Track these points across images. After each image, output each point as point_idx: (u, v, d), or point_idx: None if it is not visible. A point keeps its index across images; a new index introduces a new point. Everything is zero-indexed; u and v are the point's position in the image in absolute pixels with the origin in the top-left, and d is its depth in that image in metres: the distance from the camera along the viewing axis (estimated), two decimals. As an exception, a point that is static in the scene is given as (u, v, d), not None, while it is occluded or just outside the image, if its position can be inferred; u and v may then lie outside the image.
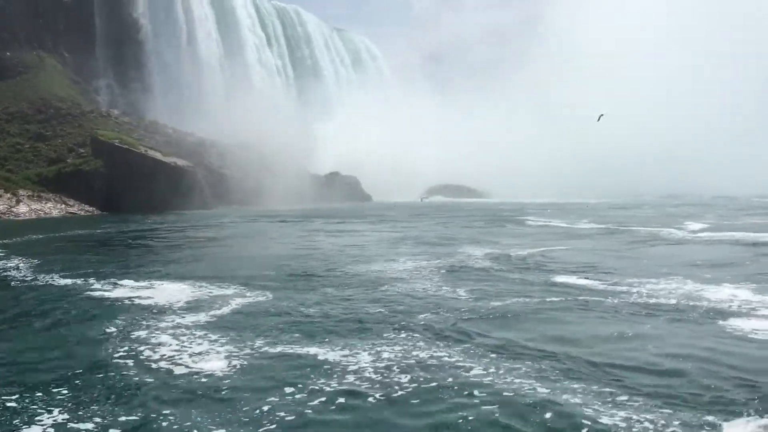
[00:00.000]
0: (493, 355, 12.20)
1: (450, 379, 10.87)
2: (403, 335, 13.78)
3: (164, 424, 9.44)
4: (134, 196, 77.02)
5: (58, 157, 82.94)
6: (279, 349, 12.90)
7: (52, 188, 76.55)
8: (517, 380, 10.76)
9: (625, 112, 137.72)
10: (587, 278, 20.77)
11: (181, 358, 12.30)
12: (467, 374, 11.12)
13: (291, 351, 12.73)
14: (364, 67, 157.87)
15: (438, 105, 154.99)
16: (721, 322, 14.60)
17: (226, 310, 16.75)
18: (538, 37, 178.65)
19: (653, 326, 14.32)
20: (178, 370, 11.61)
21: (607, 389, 10.34)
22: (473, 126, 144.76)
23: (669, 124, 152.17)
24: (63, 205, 75.24)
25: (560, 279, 20.72)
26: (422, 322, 14.92)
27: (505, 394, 10.13)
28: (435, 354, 12.31)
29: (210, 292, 19.21)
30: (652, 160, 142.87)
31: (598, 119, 48.83)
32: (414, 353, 12.39)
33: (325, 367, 11.69)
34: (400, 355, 12.30)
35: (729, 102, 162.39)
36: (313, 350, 12.73)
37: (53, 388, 10.91)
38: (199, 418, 9.57)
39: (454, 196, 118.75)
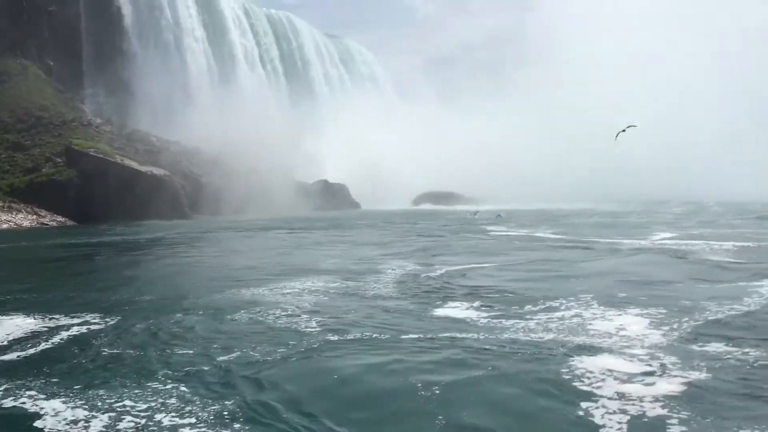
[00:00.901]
0: None
1: None
2: (152, 389, 11.68)
3: None
4: (109, 206, 75.68)
5: (35, 167, 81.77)
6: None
7: (24, 199, 75.34)
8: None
9: (632, 114, 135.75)
10: (479, 307, 18.57)
11: None
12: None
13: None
14: (359, 73, 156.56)
15: (437, 109, 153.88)
16: (574, 364, 12.50)
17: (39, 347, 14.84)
18: (539, 40, 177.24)
19: (490, 373, 12.24)
20: None
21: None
22: (471, 130, 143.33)
23: (680, 125, 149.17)
24: (34, 216, 73.98)
25: (445, 310, 18.45)
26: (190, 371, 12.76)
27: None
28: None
29: (50, 324, 17.30)
30: (660, 164, 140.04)
31: (618, 135, 45.12)
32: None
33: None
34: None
35: (746, 102, 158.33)
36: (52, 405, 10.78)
37: None
38: None
39: (442, 203, 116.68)
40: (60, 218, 75.16)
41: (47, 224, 73.42)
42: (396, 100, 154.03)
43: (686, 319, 16.32)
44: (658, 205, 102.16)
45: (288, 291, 21.85)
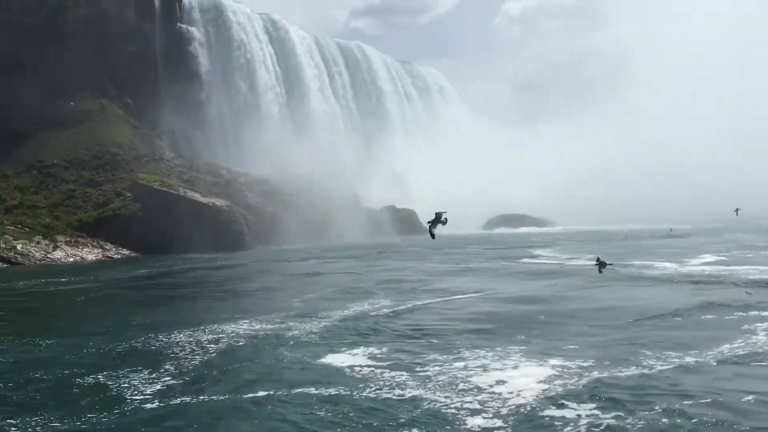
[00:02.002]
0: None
1: None
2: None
3: None
4: (172, 238, 77.21)
5: (105, 202, 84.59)
6: None
7: (91, 233, 77.93)
8: None
9: (723, 135, 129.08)
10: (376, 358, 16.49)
11: None
12: None
13: None
14: (431, 98, 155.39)
15: (515, 131, 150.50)
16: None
17: None
18: (626, 61, 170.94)
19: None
20: None
21: None
22: (548, 151, 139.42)
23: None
24: (99, 250, 76.34)
25: (331, 357, 16.52)
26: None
27: None
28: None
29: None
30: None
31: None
32: None
33: None
34: None
35: None
36: None
37: None
38: None
39: (514, 225, 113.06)
40: (124, 251, 77.26)
41: (112, 257, 75.52)
42: (471, 123, 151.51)
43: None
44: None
45: (225, 332, 20.49)
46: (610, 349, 16.23)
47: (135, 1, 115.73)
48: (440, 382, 13.74)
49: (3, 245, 70.00)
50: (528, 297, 25.80)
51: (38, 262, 69.89)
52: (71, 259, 72.39)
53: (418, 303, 25.36)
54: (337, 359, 16.12)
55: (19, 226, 74.70)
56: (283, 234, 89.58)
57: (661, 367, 14.43)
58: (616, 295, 25.85)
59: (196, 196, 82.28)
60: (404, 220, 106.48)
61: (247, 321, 22.30)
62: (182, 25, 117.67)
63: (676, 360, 14.82)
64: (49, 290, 40.23)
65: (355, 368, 15.15)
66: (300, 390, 13.43)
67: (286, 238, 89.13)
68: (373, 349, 17.09)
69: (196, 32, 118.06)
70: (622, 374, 14.21)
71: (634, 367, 14.37)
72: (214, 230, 79.76)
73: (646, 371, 14.26)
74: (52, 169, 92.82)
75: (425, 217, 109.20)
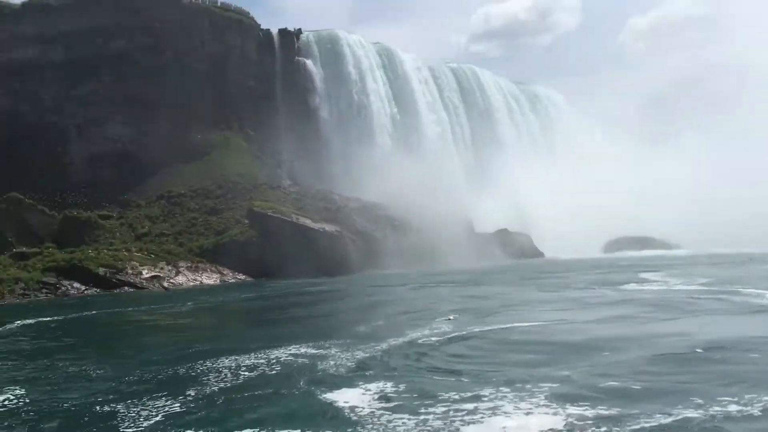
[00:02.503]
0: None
1: None
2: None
3: None
4: (283, 263, 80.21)
5: (225, 228, 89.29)
6: None
7: (211, 258, 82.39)
8: None
9: None
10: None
11: None
12: None
13: None
14: (548, 119, 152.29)
15: (643, 151, 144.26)
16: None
17: None
18: (755, 73, 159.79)
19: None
20: None
21: None
22: (681, 170, 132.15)
23: None
24: (218, 275, 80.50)
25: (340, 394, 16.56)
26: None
27: None
28: None
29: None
30: None
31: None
32: None
33: None
34: None
35: None
36: None
37: None
38: None
39: (638, 248, 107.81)
40: (240, 276, 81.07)
41: (228, 281, 79.48)
42: (593, 142, 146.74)
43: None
44: None
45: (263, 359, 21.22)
46: (637, 393, 15.34)
47: (256, 38, 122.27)
48: (433, 428, 13.61)
49: (130, 271, 75.45)
50: (590, 326, 24.75)
51: (162, 286, 74.70)
52: (191, 284, 76.79)
53: (476, 330, 25.08)
54: (344, 396, 16.34)
55: (145, 252, 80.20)
56: (391, 259, 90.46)
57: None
58: (698, 326, 24.19)
59: (307, 222, 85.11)
60: (517, 244, 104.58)
61: (297, 346, 23.03)
62: (299, 58, 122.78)
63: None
64: (162, 313, 43.11)
65: (356, 408, 15.34)
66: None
67: (395, 263, 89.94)
68: (389, 385, 17.17)
69: (312, 64, 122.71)
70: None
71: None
72: (323, 255, 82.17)
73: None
74: (178, 199, 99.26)
75: (540, 240, 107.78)
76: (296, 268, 79.51)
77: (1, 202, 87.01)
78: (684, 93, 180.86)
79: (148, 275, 75.87)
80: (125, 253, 79.06)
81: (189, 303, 52.90)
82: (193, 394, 16.48)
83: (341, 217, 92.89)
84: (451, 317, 26.86)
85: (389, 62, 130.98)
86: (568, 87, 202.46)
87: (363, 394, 16.50)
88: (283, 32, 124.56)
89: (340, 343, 23.94)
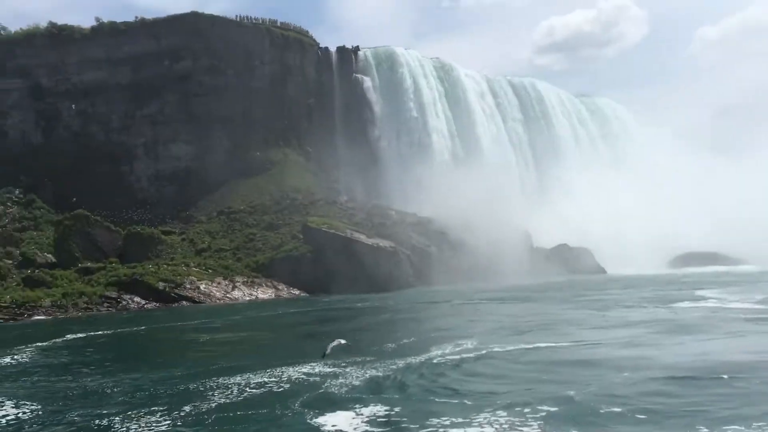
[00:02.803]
0: None
1: None
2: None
3: None
4: (336, 278, 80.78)
5: (281, 244, 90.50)
6: None
7: (267, 273, 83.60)
8: None
9: None
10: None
11: None
12: None
13: None
14: (611, 133, 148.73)
15: (714, 163, 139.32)
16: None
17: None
18: None
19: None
20: None
21: None
22: (757, 184, 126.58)
23: None
24: (273, 289, 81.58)
25: (332, 416, 16.35)
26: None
27: None
28: None
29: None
30: None
31: None
32: None
33: None
34: None
35: None
36: None
37: None
38: None
39: (704, 264, 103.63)
40: (294, 290, 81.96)
41: (282, 296, 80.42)
42: (659, 155, 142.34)
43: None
44: None
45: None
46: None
47: (315, 56, 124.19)
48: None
49: (188, 285, 77.31)
50: (617, 347, 23.87)
51: (218, 300, 76.20)
52: (247, 298, 78.03)
53: (498, 349, 24.58)
54: (334, 419, 16.25)
55: (203, 267, 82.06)
56: (446, 275, 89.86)
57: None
58: (732, 346, 23.02)
59: (362, 238, 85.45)
60: (577, 259, 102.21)
61: (314, 364, 23.02)
62: (357, 75, 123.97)
63: None
64: (206, 328, 43.99)
65: (341, 432, 15.20)
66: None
67: (450, 278, 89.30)
68: (385, 408, 16.99)
69: (369, 80, 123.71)
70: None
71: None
72: (375, 270, 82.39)
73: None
74: (237, 215, 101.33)
75: (603, 256, 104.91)
76: (348, 283, 79.94)
77: (69, 218, 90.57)
78: (759, 102, 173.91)
79: (205, 290, 77.61)
80: (184, 268, 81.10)
81: (236, 317, 54.00)
82: (188, 410, 16.73)
83: (397, 232, 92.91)
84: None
85: (447, 77, 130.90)
86: (634, 99, 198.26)
87: (354, 417, 16.35)
88: (341, 50, 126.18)
89: (359, 361, 23.85)
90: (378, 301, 62.20)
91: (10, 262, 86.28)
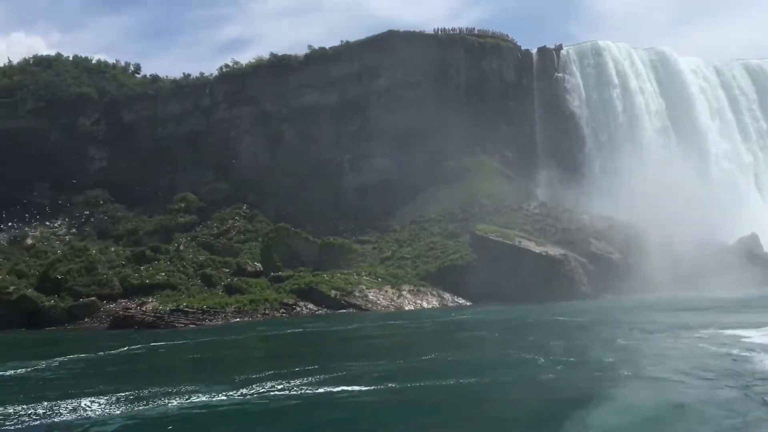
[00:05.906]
0: None
1: None
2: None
3: None
4: (501, 287, 79.26)
5: (455, 251, 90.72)
6: None
7: (434, 282, 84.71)
8: None
9: None
10: None
11: None
12: None
13: None
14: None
15: None
16: None
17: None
18: None
19: None
20: None
21: None
22: None
23: None
24: (438, 298, 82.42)
25: None
26: None
27: None
28: None
29: None
30: None
31: None
32: None
33: None
34: None
35: None
36: None
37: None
38: None
39: None
40: (459, 299, 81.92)
41: (447, 305, 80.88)
42: None
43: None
44: None
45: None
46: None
47: (514, 59, 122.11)
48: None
49: (357, 293, 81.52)
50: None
51: (383, 308, 79.13)
52: (411, 307, 79.90)
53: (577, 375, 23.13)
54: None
55: (373, 276, 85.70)
56: (638, 282, 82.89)
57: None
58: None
59: (530, 246, 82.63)
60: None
61: (358, 387, 23.59)
62: (559, 74, 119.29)
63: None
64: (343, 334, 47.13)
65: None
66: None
67: (644, 286, 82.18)
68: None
69: (572, 80, 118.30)
70: None
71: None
72: (544, 279, 79.29)
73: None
74: (426, 223, 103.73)
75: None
76: (514, 292, 78.01)
77: (272, 231, 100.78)
78: None
79: (372, 298, 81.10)
80: (355, 276, 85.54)
81: (379, 323, 56.72)
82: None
83: (578, 239, 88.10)
84: None
85: (663, 69, 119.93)
86: None
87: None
88: (541, 50, 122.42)
89: (399, 377, 24.13)
90: (529, 312, 60.18)
91: (227, 270, 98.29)
